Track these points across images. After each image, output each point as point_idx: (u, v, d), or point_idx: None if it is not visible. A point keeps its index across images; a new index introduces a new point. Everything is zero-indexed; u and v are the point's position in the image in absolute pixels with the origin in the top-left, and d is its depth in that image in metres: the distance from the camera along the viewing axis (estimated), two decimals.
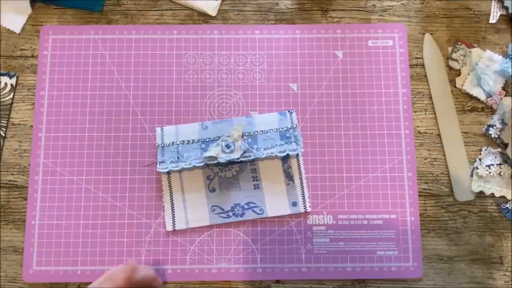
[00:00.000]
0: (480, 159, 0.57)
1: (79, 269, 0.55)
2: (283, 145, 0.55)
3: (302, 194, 0.56)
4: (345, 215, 0.56)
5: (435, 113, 0.59)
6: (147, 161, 0.57)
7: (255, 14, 0.61)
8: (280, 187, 0.56)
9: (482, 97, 0.58)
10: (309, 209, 0.56)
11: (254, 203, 0.56)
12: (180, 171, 0.56)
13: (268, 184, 0.56)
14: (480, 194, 0.57)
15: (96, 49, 0.60)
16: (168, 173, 0.56)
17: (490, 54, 0.58)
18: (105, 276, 0.47)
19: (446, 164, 0.58)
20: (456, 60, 0.59)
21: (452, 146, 0.58)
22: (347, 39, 0.60)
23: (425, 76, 0.60)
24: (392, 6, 0.61)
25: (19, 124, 0.59)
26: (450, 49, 0.60)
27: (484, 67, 0.58)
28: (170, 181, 0.56)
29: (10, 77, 0.59)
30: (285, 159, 0.57)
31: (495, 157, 0.57)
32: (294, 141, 0.55)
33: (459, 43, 0.59)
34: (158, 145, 0.56)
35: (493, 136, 0.57)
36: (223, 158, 0.54)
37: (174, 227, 0.56)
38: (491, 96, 0.58)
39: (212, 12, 0.61)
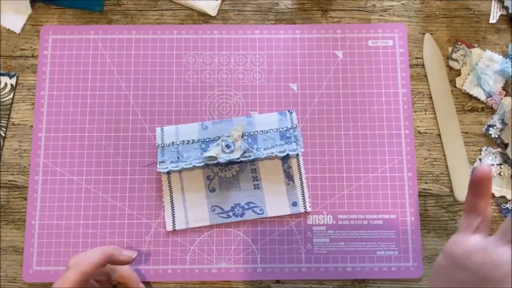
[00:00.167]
0: (480, 159, 0.57)
1: None
2: (283, 145, 0.55)
3: (302, 194, 0.56)
4: (345, 215, 0.56)
5: (435, 113, 0.59)
6: (147, 161, 0.57)
7: (255, 14, 0.61)
8: (280, 187, 0.56)
9: (482, 97, 0.58)
10: (309, 209, 0.56)
11: (254, 203, 0.56)
12: (180, 171, 0.56)
13: (268, 184, 0.56)
14: None
15: (96, 49, 0.60)
16: (168, 173, 0.56)
17: (490, 54, 0.58)
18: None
19: (446, 164, 0.58)
20: (456, 60, 0.59)
21: (452, 146, 0.58)
22: (347, 39, 0.60)
23: (425, 76, 0.60)
24: (392, 6, 0.61)
25: (19, 124, 0.59)
26: (450, 49, 0.60)
27: (484, 67, 0.58)
28: (170, 181, 0.56)
29: (10, 77, 0.59)
30: (285, 159, 0.57)
31: (495, 157, 0.57)
32: (294, 141, 0.55)
33: (459, 43, 0.59)
34: (158, 145, 0.56)
35: (493, 136, 0.57)
36: (223, 158, 0.54)
37: (174, 227, 0.56)
38: (491, 96, 0.58)
39: (212, 12, 0.61)
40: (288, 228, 0.56)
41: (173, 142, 0.56)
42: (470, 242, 0.38)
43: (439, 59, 0.60)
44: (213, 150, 0.54)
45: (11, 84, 0.59)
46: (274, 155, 0.55)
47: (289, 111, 0.57)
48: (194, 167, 0.56)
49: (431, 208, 0.57)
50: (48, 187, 0.57)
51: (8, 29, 0.60)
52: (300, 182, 0.56)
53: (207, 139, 0.56)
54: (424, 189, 0.57)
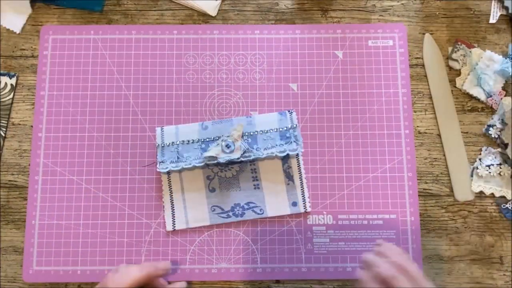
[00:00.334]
0: (480, 159, 0.57)
1: (79, 269, 0.55)
2: (283, 145, 0.55)
3: (302, 194, 0.56)
4: (345, 215, 0.56)
5: (435, 113, 0.59)
6: (147, 161, 0.57)
7: (255, 14, 0.61)
8: (280, 187, 0.56)
9: (482, 97, 0.58)
10: (309, 209, 0.56)
11: (254, 203, 0.56)
12: (180, 171, 0.56)
13: (268, 184, 0.56)
14: (480, 194, 0.57)
15: (96, 49, 0.60)
16: (168, 173, 0.56)
17: (490, 54, 0.58)
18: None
19: (446, 164, 0.58)
20: (456, 60, 0.59)
21: (452, 146, 0.58)
22: (347, 39, 0.60)
23: (425, 76, 0.60)
24: (392, 6, 0.61)
25: (19, 124, 0.59)
26: (450, 49, 0.60)
27: (484, 67, 0.58)
28: (170, 181, 0.56)
29: (10, 77, 0.59)
30: (285, 159, 0.57)
31: (495, 157, 0.57)
32: (294, 141, 0.55)
33: (459, 43, 0.59)
34: (158, 145, 0.56)
35: (493, 136, 0.57)
36: (223, 158, 0.54)
37: (174, 227, 0.56)
38: (491, 96, 0.58)
39: (212, 12, 0.61)
40: (288, 228, 0.56)
41: (173, 142, 0.56)
42: None
43: (439, 59, 0.60)
44: (213, 150, 0.54)
45: (11, 84, 0.59)
46: (274, 155, 0.55)
47: (289, 111, 0.57)
48: (194, 167, 0.56)
49: (431, 208, 0.57)
50: (48, 187, 0.57)
51: (8, 29, 0.60)
52: (300, 182, 0.56)
53: (207, 139, 0.56)
54: (424, 189, 0.57)
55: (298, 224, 0.56)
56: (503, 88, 0.58)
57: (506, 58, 0.58)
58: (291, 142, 0.55)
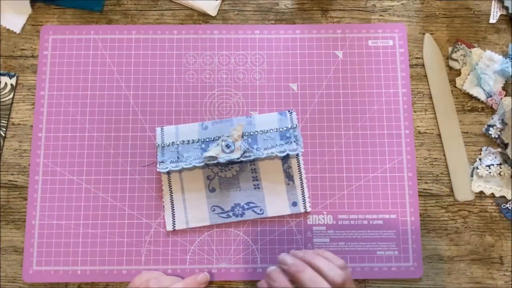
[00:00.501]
0: (480, 159, 0.57)
1: (79, 269, 0.55)
2: (283, 145, 0.55)
3: (302, 194, 0.56)
4: (345, 215, 0.56)
5: (435, 113, 0.59)
6: (147, 161, 0.57)
7: (255, 14, 0.61)
8: (280, 187, 0.56)
9: (482, 97, 0.58)
10: (309, 209, 0.56)
11: (254, 203, 0.56)
12: (180, 171, 0.56)
13: (268, 184, 0.56)
14: (480, 194, 0.57)
15: (96, 49, 0.60)
16: (168, 173, 0.56)
17: (490, 54, 0.58)
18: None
19: (446, 164, 0.58)
20: (456, 60, 0.59)
21: (452, 146, 0.58)
22: (347, 39, 0.60)
23: (425, 76, 0.60)
24: (392, 6, 0.61)
25: (19, 124, 0.59)
26: (450, 49, 0.60)
27: (484, 67, 0.58)
28: (170, 181, 0.56)
29: (10, 77, 0.59)
30: (285, 159, 0.57)
31: (495, 157, 0.57)
32: (294, 141, 0.55)
33: (459, 43, 0.59)
34: (158, 145, 0.56)
35: (493, 136, 0.57)
36: (223, 158, 0.54)
37: (174, 227, 0.56)
38: (491, 96, 0.58)
39: (212, 12, 0.61)
40: (288, 228, 0.56)
41: (173, 142, 0.56)
42: None
43: (439, 59, 0.60)
44: (213, 150, 0.54)
45: (11, 84, 0.59)
46: (274, 155, 0.55)
47: (289, 111, 0.57)
48: (194, 167, 0.56)
49: (431, 208, 0.57)
50: (48, 187, 0.57)
51: (8, 29, 0.60)
52: (300, 182, 0.56)
53: (207, 139, 0.56)
54: (424, 189, 0.57)
55: (298, 224, 0.56)
56: (503, 88, 0.58)
57: (506, 58, 0.58)
58: (291, 142, 0.55)
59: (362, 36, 0.60)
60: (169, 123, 0.58)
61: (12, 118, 0.59)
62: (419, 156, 0.58)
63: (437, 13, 0.61)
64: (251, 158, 0.55)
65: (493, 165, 0.57)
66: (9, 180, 0.58)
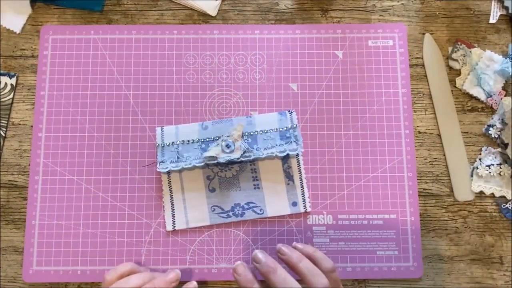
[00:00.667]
0: (480, 159, 0.57)
1: (79, 269, 0.55)
2: (283, 145, 0.55)
3: (302, 194, 0.56)
4: (345, 215, 0.56)
5: (435, 113, 0.59)
6: (147, 161, 0.57)
7: (255, 14, 0.61)
8: (280, 187, 0.56)
9: (482, 97, 0.58)
10: (309, 209, 0.56)
11: (254, 203, 0.56)
12: (180, 171, 0.56)
13: (268, 184, 0.56)
14: (480, 194, 0.57)
15: (96, 49, 0.60)
16: (168, 173, 0.56)
17: (490, 54, 0.58)
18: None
19: (446, 164, 0.58)
20: (456, 60, 0.59)
21: (452, 146, 0.58)
22: (347, 39, 0.60)
23: (425, 76, 0.60)
24: (392, 6, 0.61)
25: (19, 124, 0.59)
26: (450, 49, 0.60)
27: (484, 67, 0.58)
28: (170, 181, 0.56)
29: (10, 77, 0.59)
30: (285, 159, 0.57)
31: (495, 157, 0.57)
32: (294, 141, 0.55)
33: (459, 43, 0.59)
34: (158, 145, 0.56)
35: (493, 136, 0.57)
36: (223, 158, 0.54)
37: (174, 227, 0.56)
38: (491, 96, 0.58)
39: (212, 12, 0.61)
40: (288, 228, 0.56)
41: (173, 142, 0.56)
42: None
43: (439, 59, 0.60)
44: (213, 150, 0.54)
45: (11, 84, 0.59)
46: (274, 155, 0.55)
47: (289, 111, 0.57)
48: (194, 167, 0.56)
49: (431, 208, 0.57)
50: (48, 187, 0.57)
51: (8, 29, 0.60)
52: (300, 182, 0.56)
53: (207, 139, 0.56)
54: (424, 189, 0.57)
55: (298, 224, 0.56)
56: (503, 88, 0.58)
57: (506, 58, 0.58)
58: (291, 142, 0.55)
59: (362, 36, 0.60)
60: (169, 123, 0.58)
61: (12, 118, 0.59)
62: (419, 156, 0.58)
63: (437, 13, 0.61)
64: (251, 158, 0.55)
65: (493, 165, 0.57)
66: (9, 180, 0.58)
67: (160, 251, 0.55)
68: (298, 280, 0.46)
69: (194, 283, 0.51)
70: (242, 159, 0.54)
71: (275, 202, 0.56)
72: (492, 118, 0.58)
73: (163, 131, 0.57)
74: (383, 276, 0.55)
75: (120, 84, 0.59)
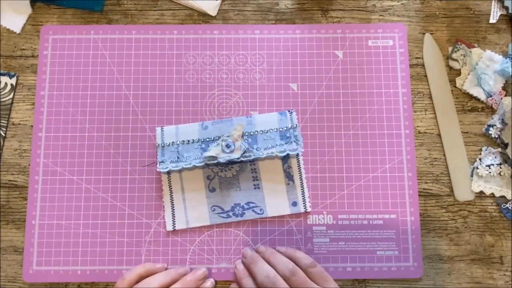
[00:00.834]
0: (480, 159, 0.57)
1: (79, 269, 0.55)
2: (283, 145, 0.55)
3: (302, 194, 0.56)
4: (345, 215, 0.56)
5: (435, 113, 0.59)
6: (147, 161, 0.57)
7: (255, 14, 0.61)
8: (280, 187, 0.56)
9: (482, 97, 0.58)
10: (309, 209, 0.56)
11: (254, 203, 0.56)
12: (180, 171, 0.56)
13: (268, 184, 0.56)
14: (480, 194, 0.57)
15: (96, 49, 0.60)
16: (168, 173, 0.56)
17: (490, 54, 0.58)
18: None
19: (446, 164, 0.58)
20: (456, 60, 0.59)
21: (452, 146, 0.58)
22: (347, 39, 0.60)
23: (425, 76, 0.60)
24: (392, 6, 0.61)
25: (19, 124, 0.59)
26: (450, 49, 0.60)
27: (484, 67, 0.58)
28: (170, 181, 0.56)
29: (10, 77, 0.59)
30: (285, 159, 0.57)
31: (495, 157, 0.57)
32: (294, 141, 0.55)
33: (459, 43, 0.59)
34: (158, 145, 0.56)
35: (493, 136, 0.57)
36: (223, 158, 0.54)
37: (174, 227, 0.56)
38: (491, 96, 0.58)
39: (212, 12, 0.61)
40: (288, 228, 0.56)
41: (173, 142, 0.56)
42: None
43: (439, 59, 0.60)
44: (213, 150, 0.54)
45: (11, 84, 0.59)
46: (274, 155, 0.55)
47: (289, 111, 0.57)
48: (194, 167, 0.56)
49: (431, 208, 0.57)
50: (48, 187, 0.57)
51: (8, 29, 0.60)
52: (300, 182, 0.56)
53: (207, 139, 0.56)
54: (424, 189, 0.57)
55: (298, 224, 0.56)
56: (503, 88, 0.58)
57: (506, 58, 0.58)
58: (291, 142, 0.55)
59: (362, 36, 0.60)
60: (169, 123, 0.58)
61: (12, 118, 0.59)
62: (419, 156, 0.58)
63: (437, 13, 0.61)
64: (251, 158, 0.55)
65: (493, 165, 0.57)
66: (9, 180, 0.58)
67: (160, 251, 0.55)
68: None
69: (212, 280, 0.54)
70: (242, 159, 0.54)
71: (275, 202, 0.56)
72: (492, 118, 0.58)
73: (163, 131, 0.57)
74: (383, 276, 0.55)
75: (120, 84, 0.59)
